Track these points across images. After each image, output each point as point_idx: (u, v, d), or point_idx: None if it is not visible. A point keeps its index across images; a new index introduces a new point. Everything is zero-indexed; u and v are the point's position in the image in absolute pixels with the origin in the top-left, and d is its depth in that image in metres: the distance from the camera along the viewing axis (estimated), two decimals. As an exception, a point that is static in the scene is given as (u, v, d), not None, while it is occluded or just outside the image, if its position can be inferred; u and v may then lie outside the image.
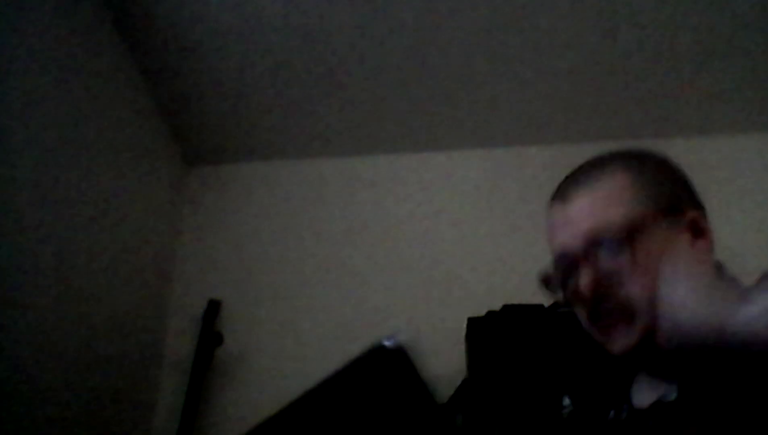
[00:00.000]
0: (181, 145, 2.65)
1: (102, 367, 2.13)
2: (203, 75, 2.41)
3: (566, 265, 0.99)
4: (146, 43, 2.31)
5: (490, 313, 2.03)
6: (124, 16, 2.22)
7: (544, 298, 2.06)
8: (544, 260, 2.61)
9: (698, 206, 1.03)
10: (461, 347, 2.08)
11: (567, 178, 1.07)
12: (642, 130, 2.44)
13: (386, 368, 1.04)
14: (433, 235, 2.51)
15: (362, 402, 1.02)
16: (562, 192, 1.04)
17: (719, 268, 0.98)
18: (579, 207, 0.99)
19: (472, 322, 2.04)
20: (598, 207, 0.98)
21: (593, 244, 0.96)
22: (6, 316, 1.76)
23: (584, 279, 0.95)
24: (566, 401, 1.13)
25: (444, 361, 2.23)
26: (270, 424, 1.08)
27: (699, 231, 0.99)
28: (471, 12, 2.20)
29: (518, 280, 2.32)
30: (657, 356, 0.94)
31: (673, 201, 1.00)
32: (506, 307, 2.04)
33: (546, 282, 1.04)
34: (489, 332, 2.00)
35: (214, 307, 2.44)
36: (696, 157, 2.46)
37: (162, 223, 2.55)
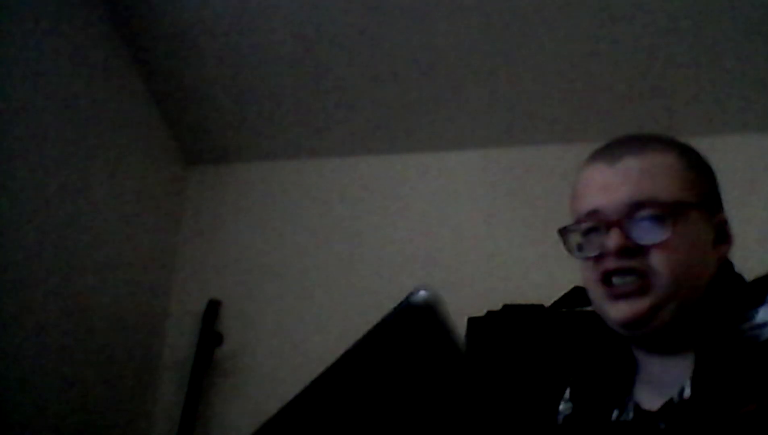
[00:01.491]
0: (181, 145, 2.65)
1: (102, 367, 2.13)
2: (204, 75, 2.41)
3: (597, 221, 0.98)
4: (147, 43, 2.31)
5: (490, 313, 2.03)
6: (125, 17, 2.22)
7: (543, 299, 2.07)
8: (544, 260, 2.62)
9: (723, 210, 1.04)
10: (461, 347, 2.08)
11: (613, 142, 1.06)
12: (642, 130, 2.44)
13: (416, 331, 0.97)
14: (433, 235, 2.51)
15: (392, 373, 0.96)
16: (608, 152, 1.02)
17: (730, 270, 0.99)
18: (626, 170, 0.98)
19: (472, 322, 2.04)
20: (648, 176, 0.97)
21: (635, 209, 0.95)
22: (6, 316, 1.76)
23: (614, 239, 0.94)
24: (564, 403, 1.12)
25: (444, 361, 2.24)
26: (295, 404, 1.01)
27: (724, 235, 1.01)
28: (470, 12, 2.20)
29: (518, 280, 2.34)
30: (660, 333, 0.95)
31: (710, 199, 1.01)
32: (506, 307, 2.04)
33: (564, 233, 1.03)
34: (489, 332, 1.99)
35: (214, 307, 2.44)
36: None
37: (162, 223, 2.55)
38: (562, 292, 2.06)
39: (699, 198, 0.98)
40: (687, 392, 0.90)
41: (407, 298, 0.97)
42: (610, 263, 0.96)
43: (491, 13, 2.20)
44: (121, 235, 2.26)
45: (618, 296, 0.96)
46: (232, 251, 2.59)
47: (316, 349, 2.34)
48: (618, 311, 0.96)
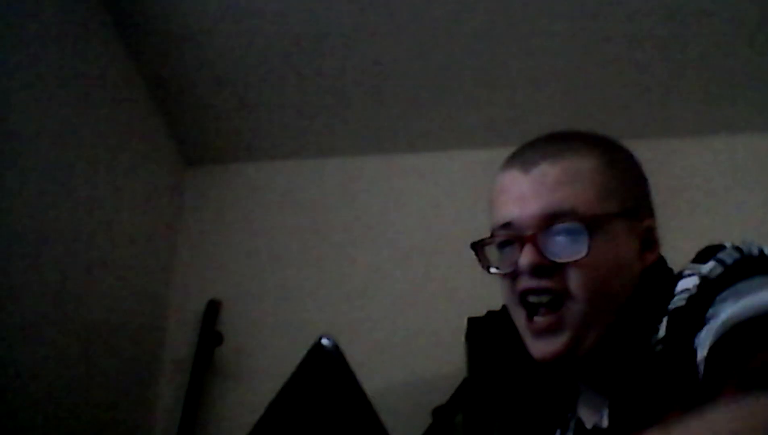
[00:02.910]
0: (181, 145, 2.65)
1: (102, 367, 2.13)
2: (203, 75, 2.41)
3: (509, 235, 0.92)
4: (146, 43, 2.31)
5: (490, 313, 2.03)
6: (124, 17, 2.22)
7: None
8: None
9: (652, 214, 0.96)
10: (461, 347, 2.08)
11: (529, 145, 0.98)
12: (641, 130, 2.44)
13: (325, 367, 1.21)
14: (433, 235, 2.51)
15: (309, 402, 1.23)
16: (524, 157, 0.94)
17: (654, 275, 0.91)
18: (540, 180, 0.90)
19: (472, 322, 2.04)
20: (564, 185, 0.89)
21: (548, 222, 0.88)
22: (6, 316, 1.76)
23: (527, 257, 0.88)
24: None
25: (444, 361, 2.24)
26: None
27: (650, 242, 0.93)
28: (470, 12, 2.20)
29: (518, 280, 2.34)
30: (582, 364, 0.90)
31: (635, 203, 0.93)
32: (506, 307, 2.03)
33: (479, 248, 0.97)
34: (489, 332, 1.99)
35: (214, 307, 2.44)
36: (696, 157, 2.48)
37: (162, 223, 2.55)
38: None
39: (622, 206, 0.90)
40: (605, 421, 0.87)
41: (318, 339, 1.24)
42: (525, 283, 0.90)
43: (491, 13, 2.20)
44: (120, 235, 2.26)
45: (536, 333, 0.90)
46: (232, 251, 2.59)
47: (316, 349, 2.34)
48: (537, 350, 0.91)
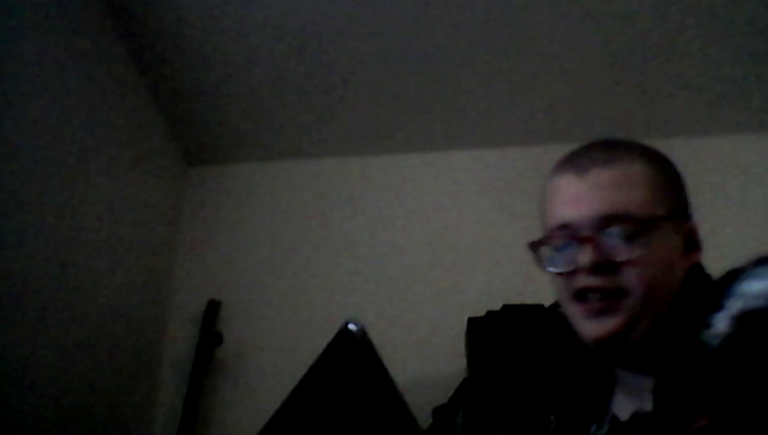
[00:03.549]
0: (181, 145, 2.65)
1: (102, 367, 2.13)
2: (204, 75, 2.41)
3: (569, 236, 0.97)
4: (147, 43, 2.31)
5: (490, 313, 2.03)
6: (125, 17, 2.22)
7: (543, 299, 2.06)
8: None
9: (692, 216, 1.02)
10: (461, 347, 2.08)
11: (580, 150, 1.03)
12: (642, 130, 2.44)
13: (352, 353, 1.18)
14: (433, 235, 2.51)
15: (336, 388, 1.19)
16: (576, 162, 1.00)
17: (698, 275, 0.98)
18: (596, 183, 0.96)
19: (472, 322, 2.04)
20: (618, 189, 0.95)
21: (606, 224, 0.94)
22: (6, 316, 1.76)
23: (586, 256, 0.93)
24: (553, 415, 1.12)
25: (444, 361, 2.24)
26: (272, 425, 1.23)
27: (693, 243, 0.99)
28: (471, 12, 2.20)
29: (518, 280, 2.33)
30: (633, 349, 0.95)
31: (679, 206, 1.00)
32: (506, 307, 2.04)
33: (536, 247, 1.02)
34: (489, 332, 2.00)
35: (214, 307, 2.44)
36: (696, 157, 2.47)
37: (162, 223, 2.55)
38: (562, 292, 2.06)
39: (670, 209, 0.97)
40: (650, 404, 0.90)
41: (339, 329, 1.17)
42: (583, 280, 0.95)
43: (492, 13, 2.20)
44: (120, 235, 2.26)
45: (591, 314, 0.95)
46: (232, 251, 2.59)
47: (316, 349, 2.34)
48: (591, 330, 0.96)
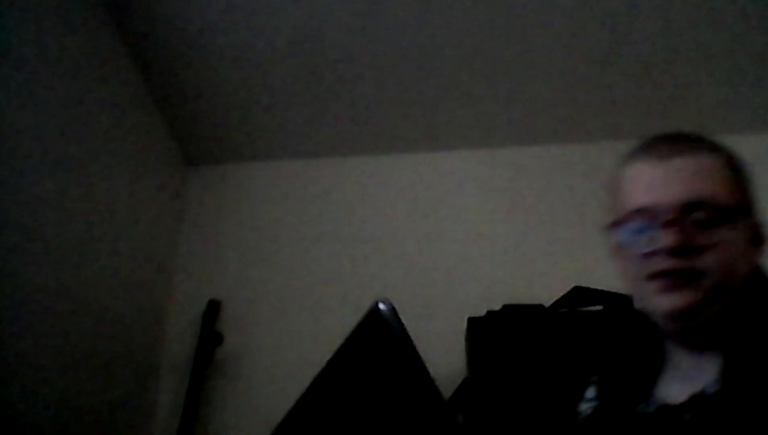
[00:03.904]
0: (182, 145, 2.65)
1: (102, 367, 2.13)
2: (204, 75, 2.41)
3: (649, 219, 1.00)
4: (147, 43, 2.31)
5: (490, 313, 2.03)
6: (125, 17, 2.22)
7: (543, 299, 2.06)
8: (544, 260, 2.61)
9: (757, 212, 1.07)
10: (461, 347, 2.08)
11: (657, 140, 1.07)
12: (642, 130, 2.43)
13: (382, 334, 1.13)
14: (433, 235, 2.51)
15: (366, 372, 1.12)
16: (655, 151, 1.04)
17: (761, 270, 1.03)
18: (678, 170, 1.00)
19: (472, 322, 2.04)
20: (701, 178, 0.99)
21: (690, 210, 0.97)
22: (6, 317, 1.76)
23: (670, 237, 0.96)
24: (586, 403, 1.12)
25: (444, 361, 2.24)
26: (296, 410, 1.17)
27: (758, 238, 1.04)
28: (471, 12, 2.20)
29: (518, 280, 2.34)
30: (704, 328, 0.98)
31: (748, 201, 1.04)
32: (506, 307, 2.04)
33: (613, 229, 1.04)
34: (489, 332, 2.00)
35: (214, 307, 2.44)
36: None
37: (162, 223, 2.55)
38: (562, 292, 2.06)
39: (741, 201, 1.02)
40: (715, 387, 0.92)
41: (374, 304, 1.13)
42: (663, 262, 0.97)
43: (492, 12, 2.20)
44: (121, 235, 2.26)
45: (670, 288, 0.97)
46: (232, 251, 2.59)
47: (316, 349, 2.34)
48: (670, 301, 0.98)
